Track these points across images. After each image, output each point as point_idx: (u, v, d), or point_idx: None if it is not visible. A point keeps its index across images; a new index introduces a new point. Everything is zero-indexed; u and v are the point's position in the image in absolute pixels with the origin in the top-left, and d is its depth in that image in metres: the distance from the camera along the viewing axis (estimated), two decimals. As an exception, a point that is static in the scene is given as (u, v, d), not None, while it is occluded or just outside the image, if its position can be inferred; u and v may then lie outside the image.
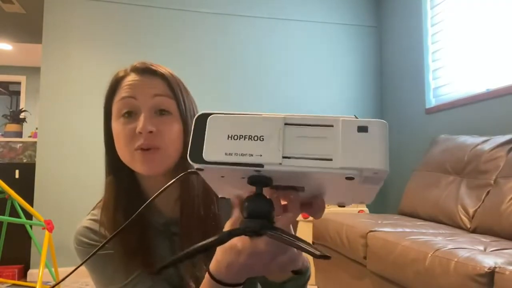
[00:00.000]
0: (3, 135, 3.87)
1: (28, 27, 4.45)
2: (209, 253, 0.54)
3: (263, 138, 0.44)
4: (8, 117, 3.95)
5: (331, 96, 3.49)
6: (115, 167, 0.79)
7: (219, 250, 0.54)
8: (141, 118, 0.73)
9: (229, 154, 0.44)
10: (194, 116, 0.79)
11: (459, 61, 2.68)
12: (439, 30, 2.89)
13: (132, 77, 0.77)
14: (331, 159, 0.42)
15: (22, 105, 6.30)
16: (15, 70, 6.52)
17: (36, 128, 3.48)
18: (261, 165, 0.44)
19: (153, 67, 0.78)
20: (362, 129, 0.42)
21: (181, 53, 3.24)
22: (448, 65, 2.80)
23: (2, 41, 5.26)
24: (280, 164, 0.43)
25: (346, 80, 3.55)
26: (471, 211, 1.98)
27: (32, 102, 5.87)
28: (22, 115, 4.02)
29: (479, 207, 1.95)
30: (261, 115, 0.45)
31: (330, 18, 3.57)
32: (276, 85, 3.40)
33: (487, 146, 2.09)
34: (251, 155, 0.44)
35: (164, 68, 0.79)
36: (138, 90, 0.75)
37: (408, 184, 2.54)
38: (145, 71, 0.77)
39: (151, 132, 0.72)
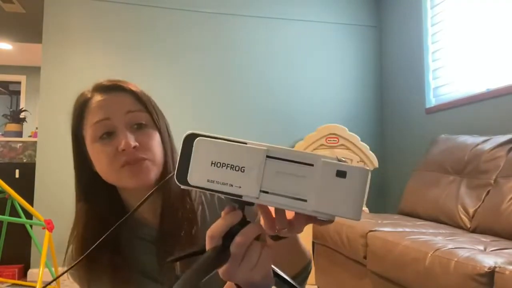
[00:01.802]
0: (3, 135, 3.87)
1: (28, 27, 4.45)
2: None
3: (244, 170, 0.45)
4: (8, 117, 3.95)
5: (331, 96, 3.49)
6: (90, 190, 0.79)
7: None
8: (121, 136, 0.73)
9: (211, 181, 0.46)
10: (167, 126, 0.81)
11: (459, 61, 2.68)
12: (439, 30, 2.89)
13: (98, 97, 0.76)
14: (305, 200, 0.43)
15: (22, 105, 6.30)
16: (15, 70, 6.52)
17: (36, 128, 3.48)
18: (240, 196, 0.45)
19: (120, 83, 0.78)
20: (341, 174, 0.42)
21: (181, 53, 3.23)
22: (448, 65, 2.80)
23: (2, 41, 5.26)
24: (257, 198, 0.45)
25: (346, 80, 3.55)
26: (471, 211, 1.98)
27: (32, 102, 5.87)
28: (22, 115, 4.02)
29: (479, 207, 1.95)
30: (246, 144, 0.46)
31: (330, 18, 3.56)
32: (276, 85, 3.39)
33: (487, 146, 2.09)
34: (231, 185, 0.45)
35: (130, 84, 0.79)
36: (110, 110, 0.74)
37: (408, 184, 2.54)
38: (110, 88, 0.77)
39: (134, 147, 0.72)
